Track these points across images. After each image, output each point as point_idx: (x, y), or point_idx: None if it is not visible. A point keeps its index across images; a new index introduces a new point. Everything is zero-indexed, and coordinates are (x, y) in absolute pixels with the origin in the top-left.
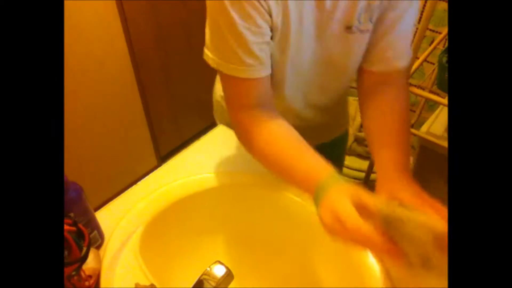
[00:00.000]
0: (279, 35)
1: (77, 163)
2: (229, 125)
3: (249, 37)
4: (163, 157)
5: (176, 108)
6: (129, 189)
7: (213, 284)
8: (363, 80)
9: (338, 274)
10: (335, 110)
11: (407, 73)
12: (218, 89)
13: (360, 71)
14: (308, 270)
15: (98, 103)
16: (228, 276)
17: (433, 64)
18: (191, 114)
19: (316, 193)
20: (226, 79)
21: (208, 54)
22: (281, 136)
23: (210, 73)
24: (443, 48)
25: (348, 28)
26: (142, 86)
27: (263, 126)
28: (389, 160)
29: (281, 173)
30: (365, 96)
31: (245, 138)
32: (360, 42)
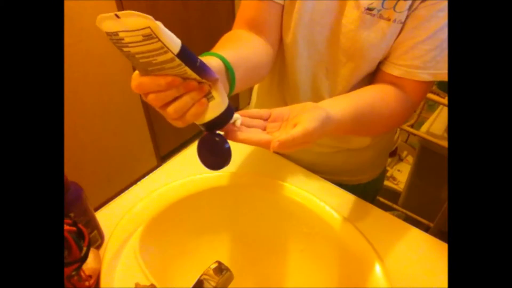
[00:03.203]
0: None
1: (77, 163)
2: None
3: None
4: (163, 157)
5: None
6: (129, 189)
7: (213, 284)
8: (376, 78)
9: (338, 274)
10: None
11: (424, 91)
12: None
13: (377, 71)
14: (308, 270)
15: (98, 103)
16: (228, 276)
17: None
18: None
19: None
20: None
21: None
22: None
23: None
24: None
25: (369, 10)
26: None
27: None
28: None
29: None
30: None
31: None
32: (380, 30)
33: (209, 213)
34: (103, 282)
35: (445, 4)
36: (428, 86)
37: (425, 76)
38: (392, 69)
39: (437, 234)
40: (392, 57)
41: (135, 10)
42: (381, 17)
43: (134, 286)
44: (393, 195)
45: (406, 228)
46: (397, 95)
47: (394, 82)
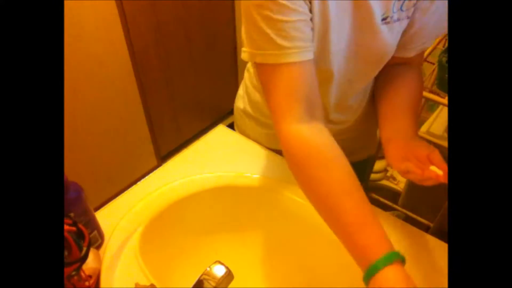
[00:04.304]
0: (316, 26)
1: (77, 163)
2: (245, 133)
3: (280, 16)
4: (163, 157)
5: (176, 108)
6: (129, 189)
7: (213, 284)
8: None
9: (338, 274)
10: (358, 126)
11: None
12: (240, 96)
13: None
14: (308, 270)
15: (98, 103)
16: (228, 276)
17: (433, 64)
18: (191, 114)
19: (369, 270)
20: (265, 73)
21: (245, 49)
22: (343, 189)
23: (210, 73)
24: (443, 48)
25: (384, 20)
26: (142, 86)
27: (320, 163)
28: (402, 127)
29: (336, 232)
30: (380, 70)
31: (297, 170)
32: (395, 32)
33: (209, 213)
34: (103, 282)
35: None
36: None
37: (431, 43)
38: (404, 53)
39: (437, 234)
40: (403, 43)
41: (135, 10)
42: (394, 21)
43: (134, 286)
44: (393, 195)
45: (406, 228)
46: (412, 73)
47: (404, 61)
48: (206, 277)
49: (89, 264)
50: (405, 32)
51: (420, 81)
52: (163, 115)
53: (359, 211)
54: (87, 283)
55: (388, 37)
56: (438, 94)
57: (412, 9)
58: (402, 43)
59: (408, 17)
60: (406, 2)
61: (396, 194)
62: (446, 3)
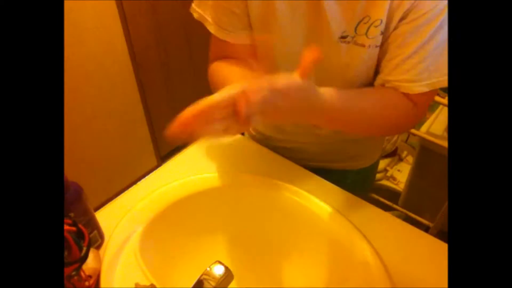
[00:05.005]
0: (258, 23)
1: (77, 163)
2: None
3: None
4: (163, 157)
5: (176, 108)
6: (129, 189)
7: (213, 284)
8: None
9: (339, 274)
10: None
11: (426, 99)
12: None
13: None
14: (308, 270)
15: (98, 103)
16: (228, 276)
17: None
18: None
19: None
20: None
21: (194, 7)
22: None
23: None
24: None
25: (343, 38)
26: (142, 86)
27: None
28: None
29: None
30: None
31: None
32: (356, 55)
33: (209, 213)
34: (103, 282)
35: (426, 18)
36: (430, 94)
37: (420, 88)
38: (389, 83)
39: (437, 234)
40: (383, 74)
41: (135, 10)
42: (355, 43)
43: (134, 286)
44: (393, 195)
45: (406, 228)
46: (399, 99)
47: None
48: (206, 277)
49: (89, 264)
50: (385, 63)
51: (403, 111)
52: (163, 115)
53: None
54: (87, 283)
55: (346, 57)
56: (438, 94)
57: (379, 38)
58: (384, 74)
59: (377, 46)
60: (372, 28)
61: (396, 194)
62: (432, 37)
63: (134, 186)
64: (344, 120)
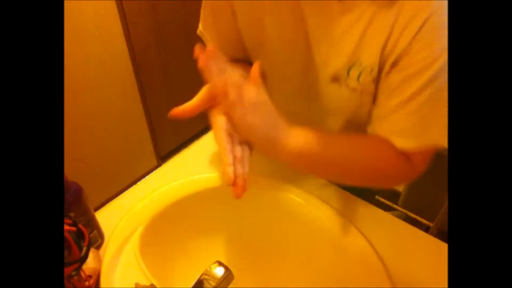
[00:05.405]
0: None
1: (77, 163)
2: None
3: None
4: (163, 157)
5: None
6: (129, 189)
7: (213, 284)
8: None
9: (338, 274)
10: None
11: (423, 157)
12: None
13: None
14: (308, 270)
15: (98, 103)
16: (228, 276)
17: None
18: None
19: None
20: None
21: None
22: None
23: None
24: None
25: (335, 80)
26: (142, 86)
27: None
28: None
29: None
30: None
31: None
32: (346, 97)
33: (209, 213)
34: (103, 282)
35: (417, 68)
36: (425, 153)
37: (407, 144)
38: (381, 134)
39: (437, 234)
40: (372, 123)
41: (135, 10)
42: (347, 87)
43: (134, 286)
44: (393, 195)
45: (406, 228)
46: (390, 151)
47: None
48: (206, 277)
49: (89, 264)
50: (374, 111)
51: (392, 165)
52: (163, 115)
53: None
54: (87, 283)
55: (334, 98)
56: None
57: (371, 87)
58: (373, 124)
59: (369, 94)
60: (363, 74)
61: (396, 194)
62: (420, 93)
63: (134, 186)
64: (316, 166)
